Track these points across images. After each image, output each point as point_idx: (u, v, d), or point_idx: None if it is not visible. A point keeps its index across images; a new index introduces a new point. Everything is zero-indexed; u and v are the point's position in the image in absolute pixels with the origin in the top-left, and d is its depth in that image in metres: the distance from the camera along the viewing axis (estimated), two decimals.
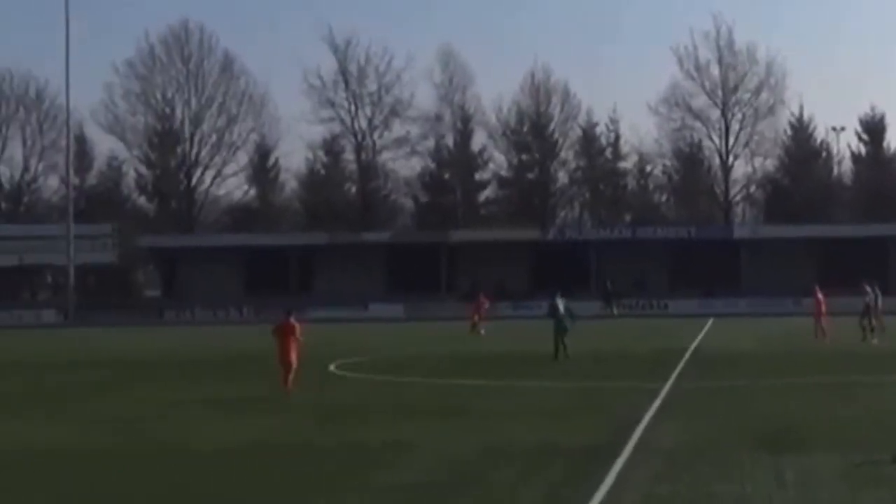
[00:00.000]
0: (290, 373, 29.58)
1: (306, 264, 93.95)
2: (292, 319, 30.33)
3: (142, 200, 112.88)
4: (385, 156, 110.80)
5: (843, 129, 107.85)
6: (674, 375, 32.56)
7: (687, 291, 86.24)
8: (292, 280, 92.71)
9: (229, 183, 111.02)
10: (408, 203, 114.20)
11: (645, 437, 20.70)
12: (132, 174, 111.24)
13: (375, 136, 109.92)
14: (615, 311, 78.72)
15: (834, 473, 16.82)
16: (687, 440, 20.21)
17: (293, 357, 29.71)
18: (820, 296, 49.59)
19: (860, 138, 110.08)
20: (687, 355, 40.46)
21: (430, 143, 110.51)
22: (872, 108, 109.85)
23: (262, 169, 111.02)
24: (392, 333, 61.45)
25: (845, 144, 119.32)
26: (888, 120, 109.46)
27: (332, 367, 37.99)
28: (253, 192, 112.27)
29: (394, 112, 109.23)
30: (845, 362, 36.38)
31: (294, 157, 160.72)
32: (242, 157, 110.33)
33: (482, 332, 56.56)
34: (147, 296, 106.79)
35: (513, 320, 76.11)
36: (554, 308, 39.82)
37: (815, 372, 33.35)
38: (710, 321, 66.21)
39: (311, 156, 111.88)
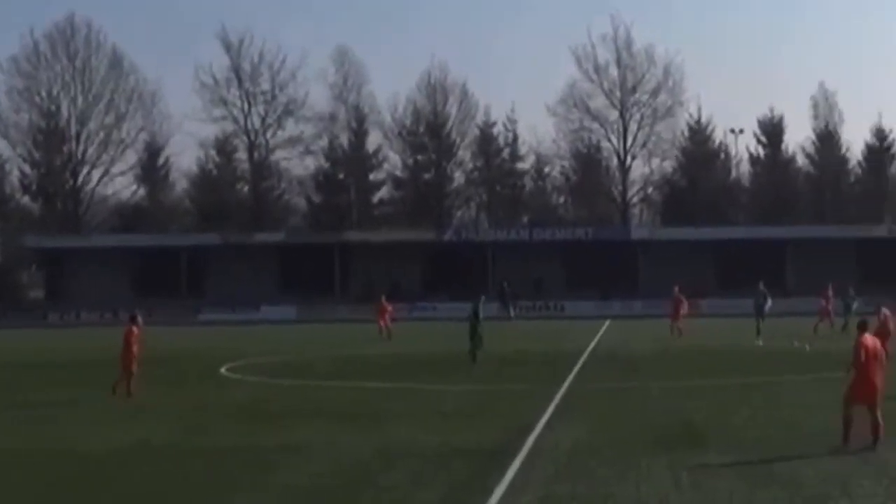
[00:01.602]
0: (129, 378, 29.10)
1: (197, 265, 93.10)
2: (135, 326, 29.73)
3: (26, 200, 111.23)
4: (278, 155, 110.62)
5: (741, 131, 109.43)
6: (570, 377, 32.84)
7: (584, 293, 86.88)
8: (183, 281, 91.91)
9: (117, 182, 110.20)
10: (301, 203, 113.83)
11: (542, 438, 20.90)
12: (16, 173, 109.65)
13: (268, 135, 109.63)
14: (512, 313, 79.06)
15: (730, 473, 17.14)
16: (584, 441, 20.44)
17: (126, 362, 29.18)
18: (679, 297, 51.04)
19: (758, 140, 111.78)
20: (584, 357, 40.79)
21: (325, 142, 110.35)
22: (771, 111, 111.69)
23: (152, 168, 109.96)
24: (285, 335, 61.15)
25: (743, 146, 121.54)
26: (786, 122, 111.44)
27: (223, 370, 37.76)
28: (142, 191, 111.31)
29: (287, 111, 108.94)
30: (740, 364, 36.94)
31: (185, 156, 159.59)
32: (131, 156, 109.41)
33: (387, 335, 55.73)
34: (31, 297, 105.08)
35: (408, 322, 76.14)
36: (476, 313, 39.78)
37: (711, 373, 33.87)
38: (607, 323, 66.76)
39: (202, 155, 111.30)
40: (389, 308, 57.11)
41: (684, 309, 51.94)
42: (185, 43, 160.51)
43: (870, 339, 19.61)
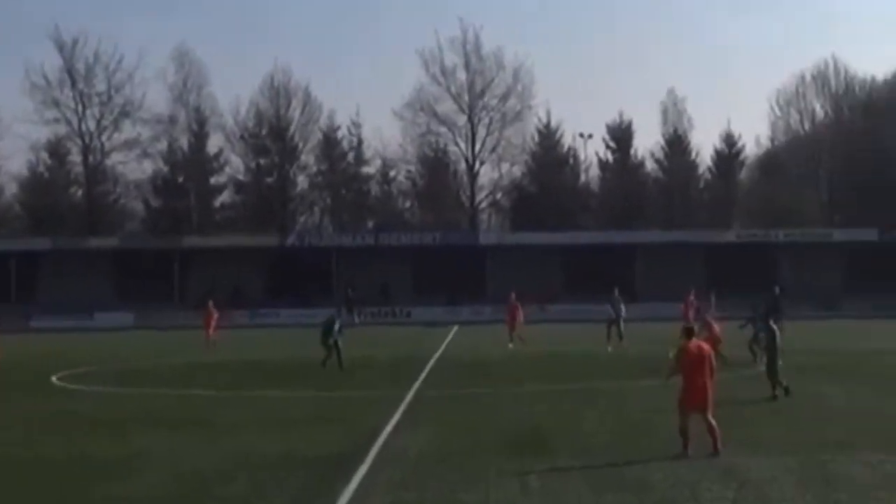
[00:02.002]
0: None
1: (28, 271, 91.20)
2: None
3: None
4: (114, 158, 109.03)
5: (590, 135, 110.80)
6: (417, 383, 32.85)
7: (432, 298, 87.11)
8: (13, 288, 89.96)
9: None
10: (139, 207, 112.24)
11: (388, 445, 20.85)
12: None
13: (104, 137, 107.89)
14: (357, 320, 78.95)
15: (578, 478, 17.25)
16: (431, 448, 20.43)
17: None
18: (515, 303, 52.01)
19: (607, 145, 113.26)
20: (431, 363, 40.83)
21: (163, 145, 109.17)
22: (620, 116, 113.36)
23: None
24: (121, 343, 60.22)
25: (593, 151, 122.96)
26: (635, 127, 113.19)
27: (54, 379, 36.95)
28: None
29: (124, 113, 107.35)
30: (587, 369, 37.28)
31: (15, 159, 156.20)
32: None
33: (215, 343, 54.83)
34: None
35: (250, 329, 75.68)
36: (330, 323, 39.48)
37: (559, 379, 34.12)
38: (455, 328, 67.02)
39: (33, 158, 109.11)
40: (216, 315, 55.97)
41: (521, 315, 52.45)
42: (14, 42, 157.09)
43: (695, 344, 19.72)
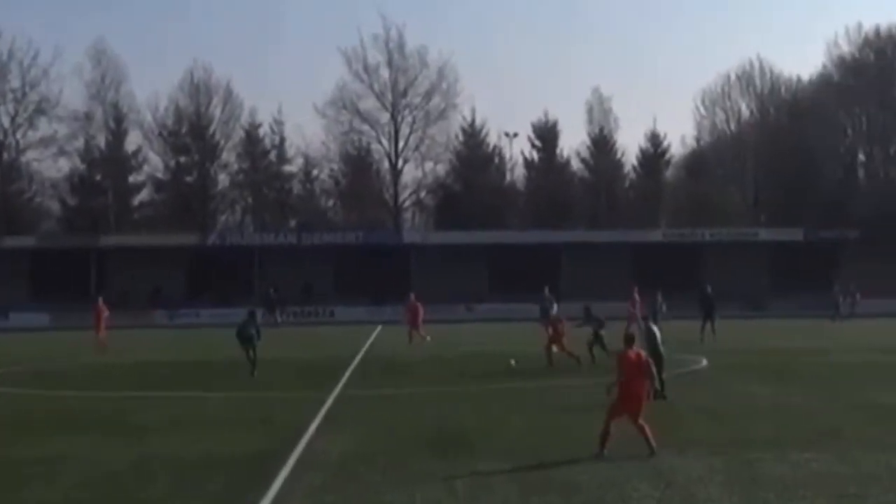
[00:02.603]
0: None
1: None
2: None
3: None
4: (29, 156, 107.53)
5: (515, 134, 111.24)
6: (340, 384, 32.72)
7: (355, 298, 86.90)
8: None
9: None
10: (55, 206, 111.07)
11: (310, 447, 20.71)
12: None
13: (19, 135, 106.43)
14: (279, 319, 78.63)
15: (504, 479, 17.19)
16: (354, 449, 20.29)
17: None
18: (415, 304, 52.99)
19: (533, 144, 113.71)
20: (354, 363, 40.71)
21: (80, 142, 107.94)
22: (545, 115, 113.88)
23: None
24: (36, 343, 59.51)
25: (518, 150, 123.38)
26: (561, 127, 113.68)
27: None
28: None
29: (39, 110, 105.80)
30: (514, 369, 37.24)
31: None
32: None
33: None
34: None
35: (169, 329, 75.18)
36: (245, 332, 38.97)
37: (484, 379, 34.06)
38: (379, 328, 66.87)
39: None
40: (105, 313, 54.69)
41: (421, 315, 52.94)
42: None
43: (634, 352, 19.83)
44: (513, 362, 38.49)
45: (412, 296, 54.57)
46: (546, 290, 51.62)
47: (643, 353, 20.25)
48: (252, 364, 36.78)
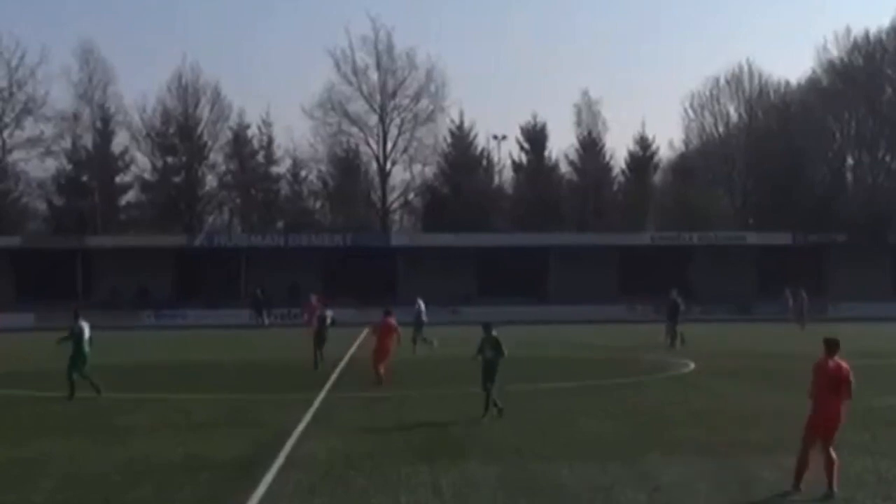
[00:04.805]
0: None
1: None
2: None
3: None
4: (16, 156, 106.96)
5: (504, 137, 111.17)
6: (327, 386, 32.70)
7: (342, 300, 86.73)
8: None
9: None
10: (41, 206, 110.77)
11: (297, 449, 20.67)
12: None
13: (6, 134, 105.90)
14: (266, 321, 78.53)
15: (490, 482, 17.19)
16: (341, 451, 20.26)
17: None
18: (312, 304, 55.48)
19: (521, 147, 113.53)
20: (341, 365, 40.72)
21: (67, 143, 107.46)
22: (534, 117, 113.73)
23: None
24: (21, 344, 59.34)
25: (506, 153, 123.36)
26: (549, 129, 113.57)
27: None
28: None
29: (26, 110, 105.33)
30: (506, 371, 37.16)
31: None
32: None
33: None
34: None
35: (155, 330, 75.05)
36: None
37: (469, 382, 33.98)
38: (366, 331, 66.60)
39: None
40: None
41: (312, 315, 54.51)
42: None
43: (833, 362, 16.67)
44: (435, 343, 39.09)
45: (313, 297, 58.55)
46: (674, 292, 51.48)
47: (844, 364, 16.72)
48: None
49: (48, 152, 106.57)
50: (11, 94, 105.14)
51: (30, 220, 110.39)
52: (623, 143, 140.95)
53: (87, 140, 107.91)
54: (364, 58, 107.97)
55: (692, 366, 38.61)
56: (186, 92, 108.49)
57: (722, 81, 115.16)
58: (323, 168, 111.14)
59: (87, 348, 32.02)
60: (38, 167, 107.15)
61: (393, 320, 34.71)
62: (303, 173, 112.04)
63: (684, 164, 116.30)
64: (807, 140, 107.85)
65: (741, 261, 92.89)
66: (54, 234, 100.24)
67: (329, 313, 42.00)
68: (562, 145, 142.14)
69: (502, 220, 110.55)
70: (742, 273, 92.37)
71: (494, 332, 26.13)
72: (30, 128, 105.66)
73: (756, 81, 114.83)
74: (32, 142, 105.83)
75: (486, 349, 26.07)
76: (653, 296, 76.37)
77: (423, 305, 51.35)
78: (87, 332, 32.35)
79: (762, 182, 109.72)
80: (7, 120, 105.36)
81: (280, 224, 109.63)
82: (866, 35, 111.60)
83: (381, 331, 34.66)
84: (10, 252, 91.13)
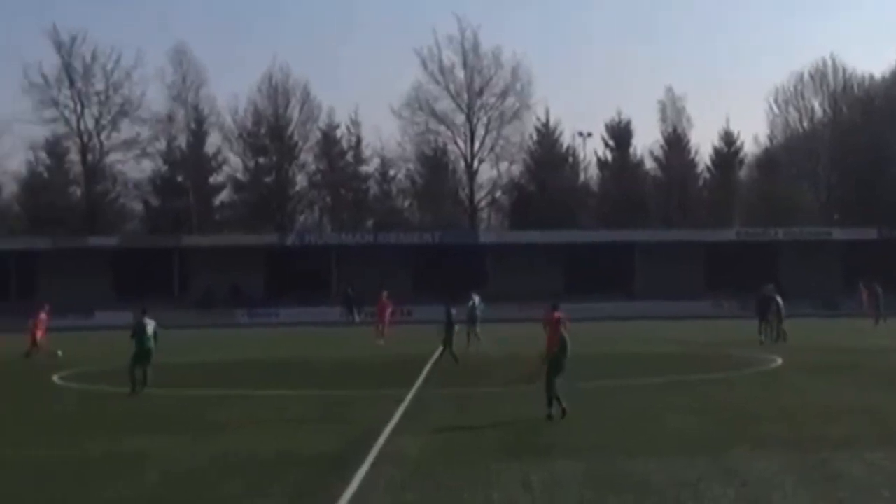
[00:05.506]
0: None
1: (28, 270, 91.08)
2: None
3: None
4: (113, 157, 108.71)
5: (589, 134, 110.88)
6: (418, 382, 32.67)
7: (431, 297, 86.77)
8: (13, 287, 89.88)
9: None
10: (138, 207, 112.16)
11: (388, 445, 20.65)
12: None
13: (103, 136, 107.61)
14: (357, 318, 78.88)
15: (578, 478, 17.09)
16: (432, 447, 20.25)
17: None
18: (386, 301, 57.65)
19: (606, 144, 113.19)
20: (431, 362, 40.65)
21: (162, 144, 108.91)
22: (619, 114, 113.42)
23: None
24: (120, 342, 59.85)
25: (592, 150, 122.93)
26: (634, 126, 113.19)
27: (55, 378, 36.86)
28: None
29: (123, 112, 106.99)
30: (586, 369, 37.10)
31: (14, 158, 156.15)
32: None
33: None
34: None
35: (248, 328, 75.62)
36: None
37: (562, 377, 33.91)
38: (456, 327, 66.64)
39: (32, 157, 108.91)
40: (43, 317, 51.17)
41: (388, 314, 54.86)
42: (12, 41, 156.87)
43: None
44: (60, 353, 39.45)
45: (384, 293, 58.81)
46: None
47: None
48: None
49: (144, 154, 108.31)
50: (108, 96, 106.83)
51: (127, 221, 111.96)
52: (707, 139, 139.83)
53: (182, 141, 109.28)
54: (451, 57, 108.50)
55: (779, 361, 38.24)
56: (277, 92, 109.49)
57: (806, 76, 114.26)
58: (411, 167, 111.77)
59: (149, 344, 32.36)
60: (135, 168, 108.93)
61: (561, 314, 34.30)
62: (391, 172, 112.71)
63: (769, 160, 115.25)
64: (892, 133, 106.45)
65: (826, 256, 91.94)
66: (151, 234, 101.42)
67: (477, 299, 42.38)
68: (646, 142, 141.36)
69: (588, 217, 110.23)
70: (827, 268, 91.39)
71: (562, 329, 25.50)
72: (126, 130, 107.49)
73: (840, 76, 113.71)
74: (129, 143, 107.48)
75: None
76: (738, 292, 75.87)
77: (477, 300, 51.40)
78: (149, 329, 32.75)
79: (847, 176, 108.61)
80: (104, 122, 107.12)
81: (369, 222, 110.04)
82: None
83: (551, 324, 34.26)
84: (108, 252, 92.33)
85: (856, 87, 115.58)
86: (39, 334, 49.46)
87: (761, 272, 77.36)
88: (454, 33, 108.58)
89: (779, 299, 50.26)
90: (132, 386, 31.33)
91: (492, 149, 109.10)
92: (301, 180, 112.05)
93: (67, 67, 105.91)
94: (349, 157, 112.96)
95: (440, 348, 40.54)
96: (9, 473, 18.68)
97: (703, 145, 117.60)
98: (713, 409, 25.56)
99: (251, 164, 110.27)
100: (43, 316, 50.56)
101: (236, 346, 54.30)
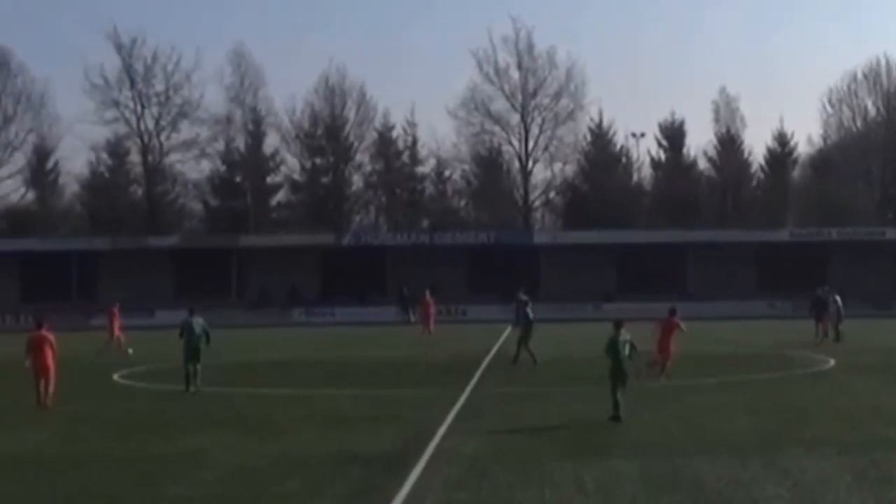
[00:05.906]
0: (50, 386, 28.09)
1: (89, 270, 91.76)
2: (44, 330, 28.62)
3: None
4: (173, 158, 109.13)
5: (642, 135, 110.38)
6: (473, 382, 32.76)
7: (486, 297, 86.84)
8: (74, 286, 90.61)
9: (5, 185, 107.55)
10: (197, 207, 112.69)
11: (443, 444, 20.76)
12: None
13: (163, 137, 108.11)
14: (412, 318, 78.96)
15: (632, 477, 17.13)
16: (486, 447, 20.31)
17: (51, 370, 28.14)
18: (429, 300, 58.27)
19: (659, 144, 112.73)
20: (486, 361, 40.74)
21: (220, 145, 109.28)
22: (672, 115, 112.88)
23: (41, 171, 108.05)
24: (179, 341, 60.29)
25: (645, 150, 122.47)
26: (687, 126, 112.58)
27: (116, 377, 37.21)
28: (31, 195, 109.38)
29: (182, 113, 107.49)
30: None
31: (76, 159, 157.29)
32: (20, 159, 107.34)
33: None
34: None
35: (305, 327, 75.88)
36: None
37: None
38: (510, 328, 66.71)
39: (94, 158, 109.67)
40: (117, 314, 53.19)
41: (433, 312, 55.61)
42: (74, 43, 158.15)
43: None
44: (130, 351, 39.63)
45: (427, 292, 59.85)
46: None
47: None
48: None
49: (203, 154, 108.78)
50: (168, 97, 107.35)
51: (186, 220, 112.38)
52: (761, 139, 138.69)
53: (240, 142, 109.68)
54: (506, 58, 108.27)
55: (832, 362, 38.05)
56: (333, 94, 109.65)
57: (860, 75, 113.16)
58: (466, 167, 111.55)
59: (198, 344, 32.70)
60: (194, 169, 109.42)
61: (677, 319, 34.28)
62: (446, 173, 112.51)
63: (822, 160, 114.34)
64: None
65: (880, 256, 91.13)
66: (210, 234, 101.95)
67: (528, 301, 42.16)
68: (700, 142, 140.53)
69: (641, 217, 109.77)
70: (881, 268, 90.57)
71: (624, 331, 24.81)
72: (185, 131, 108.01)
73: (894, 75, 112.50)
74: (188, 144, 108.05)
75: (615, 349, 24.53)
76: (791, 292, 75.42)
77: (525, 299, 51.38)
78: (197, 328, 33.17)
79: None
80: (164, 123, 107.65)
81: (425, 223, 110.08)
82: None
83: (664, 329, 34.27)
84: (168, 251, 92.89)
85: None
86: (116, 330, 50.27)
87: (814, 273, 76.95)
88: (509, 34, 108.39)
89: (838, 300, 50.00)
90: (186, 384, 31.62)
91: (546, 149, 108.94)
92: (357, 181, 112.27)
93: (128, 69, 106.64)
94: (405, 157, 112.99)
95: (517, 347, 40.20)
96: (66, 472, 18.90)
97: (756, 146, 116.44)
98: (767, 409, 25.50)
99: (308, 164, 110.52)
100: (116, 311, 51.00)
101: (294, 345, 54.50)
